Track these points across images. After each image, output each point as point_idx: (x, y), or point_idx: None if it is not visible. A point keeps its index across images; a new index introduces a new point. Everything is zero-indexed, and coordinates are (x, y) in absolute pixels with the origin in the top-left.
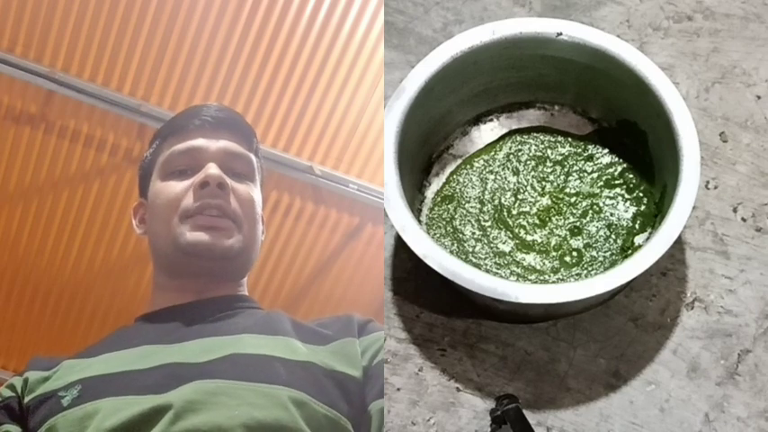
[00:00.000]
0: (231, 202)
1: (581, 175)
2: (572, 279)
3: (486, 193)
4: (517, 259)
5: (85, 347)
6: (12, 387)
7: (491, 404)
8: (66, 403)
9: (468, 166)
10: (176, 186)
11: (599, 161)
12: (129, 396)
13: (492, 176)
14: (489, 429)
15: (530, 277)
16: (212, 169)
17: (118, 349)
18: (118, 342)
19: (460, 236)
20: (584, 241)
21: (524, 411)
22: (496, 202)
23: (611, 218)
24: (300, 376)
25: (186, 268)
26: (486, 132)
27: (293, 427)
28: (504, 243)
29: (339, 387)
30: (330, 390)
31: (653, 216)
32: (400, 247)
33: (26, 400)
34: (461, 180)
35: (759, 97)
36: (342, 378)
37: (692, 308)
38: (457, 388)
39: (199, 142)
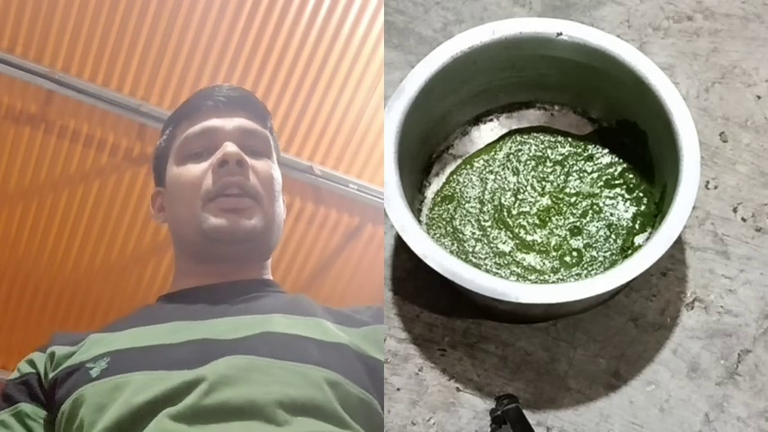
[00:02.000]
0: (251, 178)
1: (581, 175)
2: (572, 279)
3: (486, 193)
4: (517, 259)
5: (111, 322)
6: (31, 363)
7: (491, 404)
8: (95, 374)
9: (468, 166)
10: (195, 169)
11: (599, 161)
12: (159, 371)
13: (492, 176)
14: (489, 429)
15: (530, 277)
16: (230, 147)
17: (145, 325)
18: (144, 318)
19: (460, 236)
20: (584, 241)
21: (524, 411)
22: (496, 202)
23: (611, 218)
24: (333, 357)
25: (211, 253)
26: (486, 132)
27: (327, 407)
28: (504, 243)
29: (369, 371)
30: (361, 372)
31: (653, 216)
32: (400, 247)
33: (52, 374)
34: (461, 180)
35: (759, 97)
36: (373, 363)
37: (692, 308)
38: (457, 388)
39: (213, 122)
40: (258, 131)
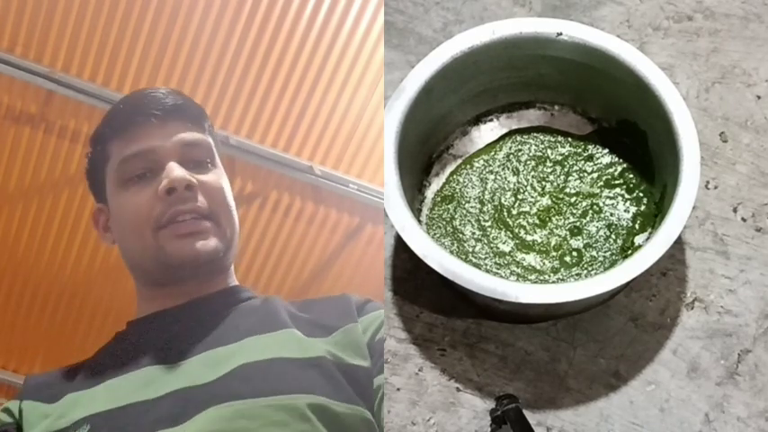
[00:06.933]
0: (201, 200)
1: (581, 175)
2: (572, 279)
3: (486, 193)
4: (517, 259)
5: (82, 361)
6: (9, 412)
7: (491, 404)
8: None
9: (468, 166)
10: (140, 195)
11: (599, 161)
12: None
13: (492, 176)
14: (489, 429)
15: (530, 277)
16: (176, 171)
17: (118, 372)
18: (114, 360)
19: (460, 236)
20: (584, 241)
21: (524, 411)
22: (496, 202)
23: (611, 218)
24: (314, 377)
25: (171, 278)
26: (486, 132)
27: None
28: (504, 243)
29: (352, 381)
30: (344, 386)
31: (653, 216)
32: (400, 247)
33: None
34: (461, 180)
35: (759, 97)
36: (353, 371)
37: (692, 308)
38: (457, 388)
39: (152, 142)
40: (199, 141)
